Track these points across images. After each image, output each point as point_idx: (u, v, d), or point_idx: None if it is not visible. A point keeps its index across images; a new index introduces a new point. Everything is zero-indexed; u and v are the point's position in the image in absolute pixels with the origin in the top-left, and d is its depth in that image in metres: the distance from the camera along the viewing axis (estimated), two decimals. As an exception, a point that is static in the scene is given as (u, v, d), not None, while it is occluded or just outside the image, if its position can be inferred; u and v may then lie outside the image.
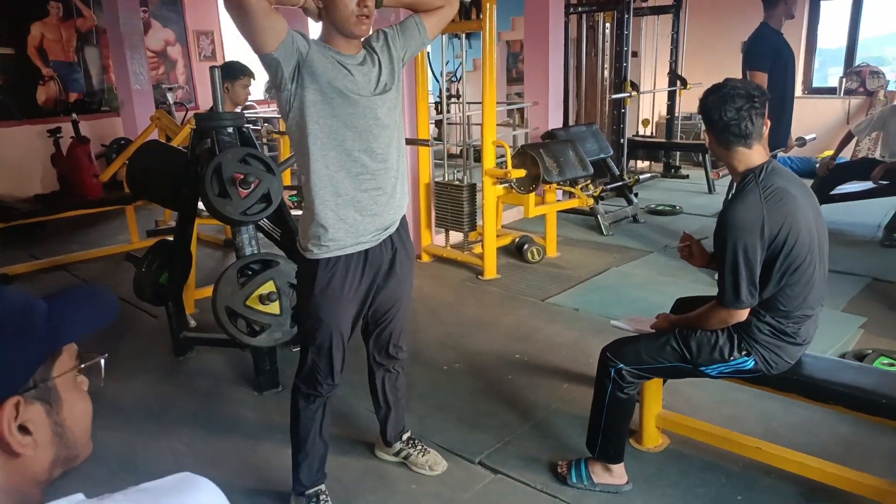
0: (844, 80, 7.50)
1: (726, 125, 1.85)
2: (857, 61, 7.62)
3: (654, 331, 2.17)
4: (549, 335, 3.45)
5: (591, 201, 4.72)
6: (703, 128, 1.99)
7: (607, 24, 6.73)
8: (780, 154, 4.01)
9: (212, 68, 2.96)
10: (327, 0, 1.75)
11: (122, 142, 5.51)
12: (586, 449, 2.25)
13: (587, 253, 4.82)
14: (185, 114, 7.24)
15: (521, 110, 6.32)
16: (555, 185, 4.59)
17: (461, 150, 4.84)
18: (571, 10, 6.46)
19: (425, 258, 4.73)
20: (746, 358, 1.94)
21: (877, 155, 5.10)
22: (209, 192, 2.67)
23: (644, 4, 7.32)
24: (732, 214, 1.83)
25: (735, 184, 1.93)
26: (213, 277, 4.48)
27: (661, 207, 5.95)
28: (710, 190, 6.68)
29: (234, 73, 3.71)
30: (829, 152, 5.35)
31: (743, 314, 1.90)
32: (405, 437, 2.38)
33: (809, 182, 5.45)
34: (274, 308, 2.77)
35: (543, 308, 3.83)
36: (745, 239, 1.81)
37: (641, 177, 6.77)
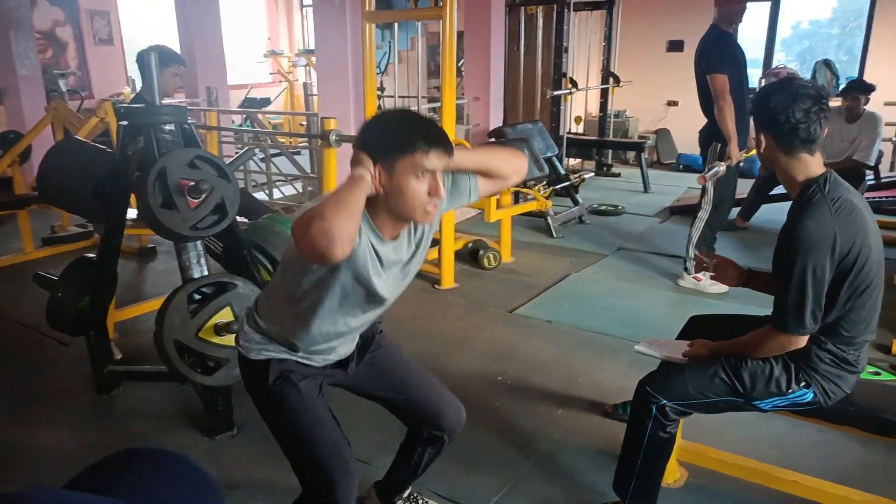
0: (763, 80, 7.75)
1: (794, 127, 1.65)
2: (774, 63, 7.89)
3: (685, 358, 1.95)
4: (528, 352, 3.19)
5: (550, 203, 4.51)
6: (754, 131, 1.77)
7: (540, 19, 6.59)
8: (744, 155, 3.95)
9: (145, 53, 2.51)
10: (392, 187, 1.38)
11: (12, 136, 4.77)
12: (612, 492, 2.01)
13: (542, 257, 4.62)
14: (81, 103, 6.43)
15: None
16: (512, 188, 4.35)
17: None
18: (510, 3, 6.25)
19: (372, 266, 4.36)
20: (806, 390, 1.75)
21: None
22: (151, 202, 2.21)
23: None
24: (802, 230, 1.63)
25: (798, 196, 1.72)
26: (131, 295, 3.96)
27: (604, 207, 5.86)
28: (646, 189, 6.68)
29: (164, 59, 3.19)
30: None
31: (803, 341, 1.71)
32: (406, 492, 2.04)
33: (750, 181, 5.55)
34: (232, 339, 2.35)
35: (514, 320, 3.57)
36: (815, 257, 1.61)
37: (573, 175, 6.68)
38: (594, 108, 7.98)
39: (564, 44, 6.20)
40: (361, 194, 1.32)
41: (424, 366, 2.99)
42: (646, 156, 6.92)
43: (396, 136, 1.37)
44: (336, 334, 1.56)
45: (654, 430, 1.84)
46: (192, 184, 2.26)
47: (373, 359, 1.74)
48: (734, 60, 3.75)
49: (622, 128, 8.09)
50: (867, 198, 5.00)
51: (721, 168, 3.70)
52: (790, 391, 1.75)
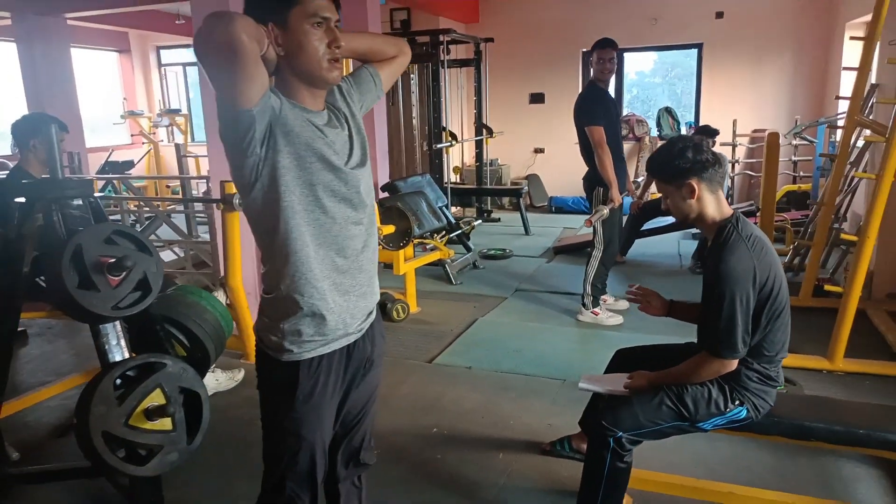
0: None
1: (713, 164, 1.89)
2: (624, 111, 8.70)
3: (626, 391, 2.10)
4: (455, 400, 3.23)
5: (452, 252, 4.64)
6: (680, 183, 1.97)
7: (412, 76, 6.85)
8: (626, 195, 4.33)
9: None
10: (291, 44, 1.40)
11: None
12: (573, 528, 2.09)
13: (447, 305, 4.71)
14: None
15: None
16: (415, 239, 4.43)
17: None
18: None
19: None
20: (741, 408, 1.95)
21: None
22: (67, 283, 2.04)
23: (449, 57, 7.60)
24: (726, 266, 1.83)
25: (716, 237, 1.94)
26: (8, 387, 3.52)
27: (493, 252, 6.10)
28: (527, 231, 7.04)
29: (45, 127, 2.96)
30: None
31: (734, 364, 1.91)
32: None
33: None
34: (165, 423, 2.19)
35: (434, 371, 3.60)
36: (741, 289, 1.82)
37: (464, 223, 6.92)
38: (468, 159, 8.34)
39: (442, 99, 6.47)
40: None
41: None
42: (524, 200, 7.32)
43: None
44: (337, 251, 1.49)
45: (613, 462, 1.95)
46: (113, 260, 2.12)
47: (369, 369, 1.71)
48: (608, 113, 4.13)
49: (496, 175, 8.51)
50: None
51: (605, 211, 4.02)
52: (728, 410, 1.94)
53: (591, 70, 4.21)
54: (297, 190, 1.43)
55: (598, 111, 4.10)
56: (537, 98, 8.77)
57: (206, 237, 4.68)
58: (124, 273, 2.15)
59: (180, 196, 7.59)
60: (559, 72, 8.52)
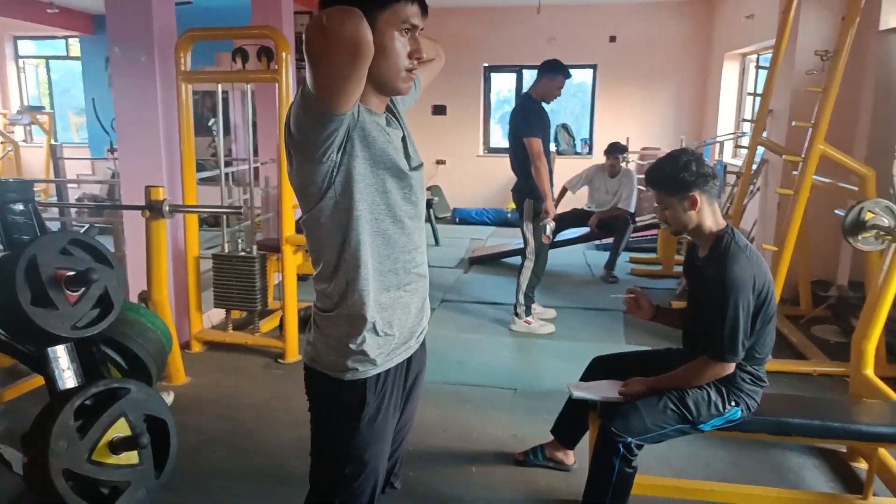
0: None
1: (713, 177, 1.97)
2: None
3: (620, 397, 2.14)
4: (413, 415, 3.14)
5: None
6: (683, 195, 2.03)
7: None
8: None
9: None
10: (375, 46, 1.26)
11: None
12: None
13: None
14: None
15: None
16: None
17: (227, 217, 4.19)
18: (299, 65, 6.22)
19: (196, 347, 3.92)
20: (736, 408, 2.04)
21: (584, 206, 6.03)
22: (21, 300, 1.76)
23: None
24: (731, 274, 1.92)
25: (713, 248, 2.02)
26: None
27: (409, 263, 6.03)
28: (437, 242, 7.04)
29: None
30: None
31: (732, 367, 2.00)
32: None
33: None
34: (131, 456, 1.94)
35: (383, 385, 3.48)
36: (744, 296, 1.91)
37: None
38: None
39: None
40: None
41: (307, 450, 2.79)
42: (432, 211, 7.33)
43: None
44: (400, 247, 1.41)
45: (622, 467, 1.97)
46: (72, 274, 1.86)
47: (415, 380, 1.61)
48: (544, 127, 4.23)
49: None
50: (631, 238, 5.94)
51: (552, 224, 4.12)
52: (726, 411, 2.03)
53: (536, 87, 4.24)
54: (368, 198, 1.34)
55: (537, 124, 4.18)
56: (439, 110, 8.84)
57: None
58: (83, 288, 1.90)
59: (56, 202, 6.84)
60: (461, 85, 8.64)
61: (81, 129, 10.20)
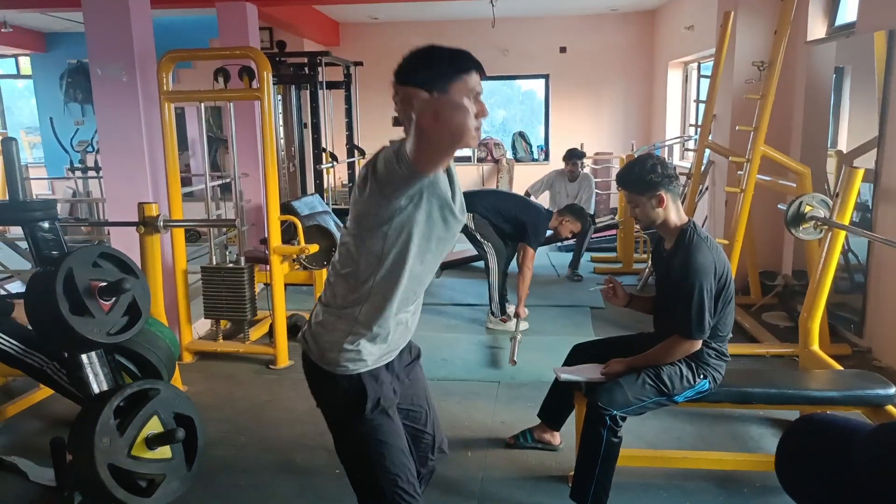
0: (476, 150, 9.05)
1: (676, 178, 2.25)
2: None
3: (603, 377, 2.40)
4: (405, 409, 3.34)
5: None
6: (651, 194, 2.31)
7: (278, 97, 6.81)
8: None
9: (6, 140, 2.13)
10: None
11: None
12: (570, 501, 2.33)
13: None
14: None
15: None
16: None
17: (213, 229, 4.32)
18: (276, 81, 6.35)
19: (187, 358, 4.04)
20: (704, 381, 2.32)
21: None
22: (62, 309, 1.91)
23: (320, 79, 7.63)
24: (694, 261, 2.20)
25: (678, 240, 2.31)
26: None
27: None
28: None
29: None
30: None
31: (699, 344, 2.28)
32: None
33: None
34: (165, 451, 2.10)
35: (373, 384, 3.67)
36: (707, 280, 2.20)
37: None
38: (337, 181, 8.39)
39: (320, 121, 6.50)
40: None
41: (309, 445, 2.98)
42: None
43: (450, 62, 1.51)
44: (419, 282, 1.60)
45: (609, 437, 2.23)
46: (105, 284, 2.02)
47: (410, 370, 1.81)
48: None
49: (364, 196, 8.62)
50: (591, 239, 6.27)
51: (525, 324, 4.52)
52: (696, 383, 2.31)
53: (557, 220, 4.77)
54: (417, 241, 1.53)
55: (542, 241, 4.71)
56: (399, 121, 9.04)
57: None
58: (114, 298, 2.06)
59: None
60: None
61: (35, 148, 10.05)
